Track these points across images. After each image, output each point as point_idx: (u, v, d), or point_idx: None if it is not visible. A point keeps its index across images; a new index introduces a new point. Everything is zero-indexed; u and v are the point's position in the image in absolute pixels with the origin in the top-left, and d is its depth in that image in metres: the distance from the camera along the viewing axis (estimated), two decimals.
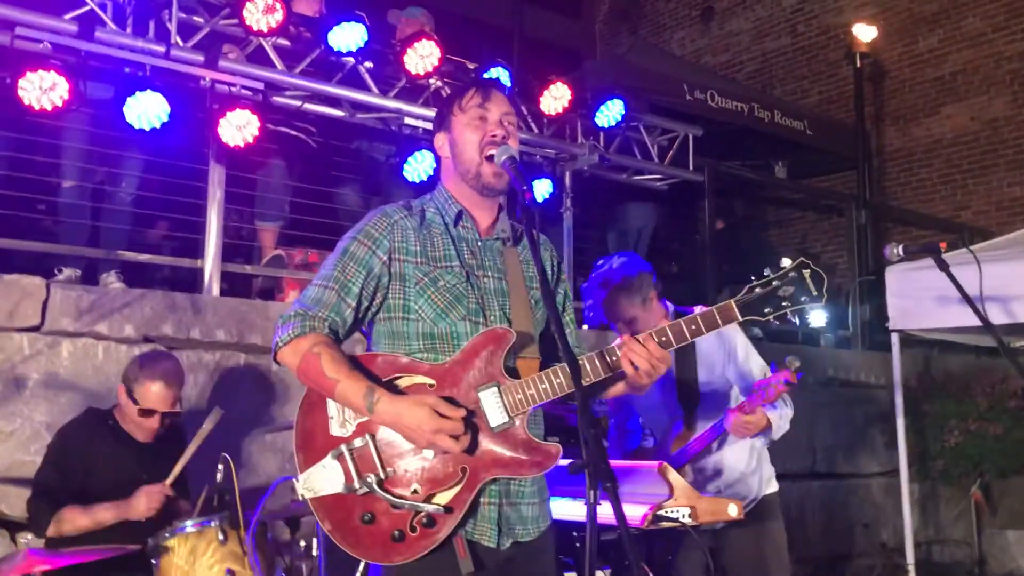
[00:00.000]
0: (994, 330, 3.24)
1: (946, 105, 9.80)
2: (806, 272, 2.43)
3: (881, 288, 6.36)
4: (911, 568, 6.05)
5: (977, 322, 4.80)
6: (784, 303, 2.42)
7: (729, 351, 3.75)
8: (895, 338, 6.10)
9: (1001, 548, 7.67)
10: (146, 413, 3.67)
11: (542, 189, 6.05)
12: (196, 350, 4.77)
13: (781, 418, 3.63)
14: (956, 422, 7.17)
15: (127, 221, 5.24)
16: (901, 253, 3.53)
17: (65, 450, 3.64)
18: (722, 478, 3.71)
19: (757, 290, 2.42)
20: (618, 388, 2.52)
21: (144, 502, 3.48)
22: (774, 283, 2.42)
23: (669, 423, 3.81)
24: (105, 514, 3.48)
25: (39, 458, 3.80)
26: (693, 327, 2.38)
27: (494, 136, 2.44)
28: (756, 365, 3.73)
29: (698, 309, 2.52)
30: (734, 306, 2.40)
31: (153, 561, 3.32)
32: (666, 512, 3.23)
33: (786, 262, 2.45)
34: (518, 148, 2.51)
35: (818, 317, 8.40)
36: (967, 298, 3.23)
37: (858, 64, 9.23)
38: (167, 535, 3.33)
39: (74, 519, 3.47)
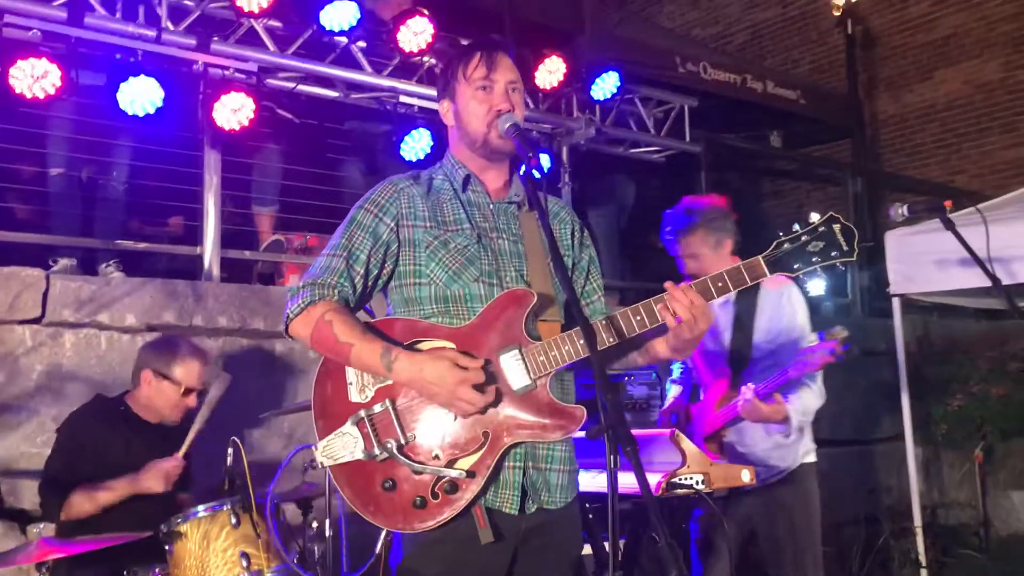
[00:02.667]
0: (1003, 289, 3.22)
1: (939, 70, 9.77)
2: (836, 227, 2.36)
3: (880, 254, 6.36)
4: (919, 531, 6.07)
5: (979, 283, 4.82)
6: (815, 258, 2.35)
7: (792, 316, 3.74)
8: (896, 303, 6.08)
9: (1006, 509, 7.71)
10: (189, 392, 3.74)
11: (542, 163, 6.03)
12: (199, 337, 4.74)
13: (805, 411, 3.62)
14: (958, 385, 7.18)
15: (123, 210, 5.21)
16: (906, 213, 3.52)
17: (76, 437, 3.64)
18: (757, 447, 3.71)
19: (785, 245, 2.35)
20: (658, 351, 2.45)
21: (159, 476, 3.48)
22: (803, 238, 2.35)
23: (716, 378, 3.82)
24: (117, 489, 3.48)
25: (45, 450, 3.81)
26: (720, 284, 2.32)
27: (500, 109, 2.40)
28: (807, 331, 3.73)
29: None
30: (762, 262, 2.35)
31: (167, 547, 3.32)
32: (680, 479, 3.24)
33: (815, 216, 2.39)
34: (523, 116, 2.48)
35: (817, 285, 8.39)
36: (975, 257, 3.22)
37: (850, 30, 9.19)
38: (179, 520, 3.32)
39: (84, 501, 3.47)
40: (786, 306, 3.74)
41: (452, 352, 2.23)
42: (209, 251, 5.12)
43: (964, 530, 7.24)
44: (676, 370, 4.15)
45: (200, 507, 3.34)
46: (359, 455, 2.26)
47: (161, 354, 3.75)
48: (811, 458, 3.79)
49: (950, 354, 7.41)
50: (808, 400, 3.63)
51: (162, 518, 3.36)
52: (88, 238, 4.99)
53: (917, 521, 6.09)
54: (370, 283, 2.40)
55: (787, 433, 3.65)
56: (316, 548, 4.01)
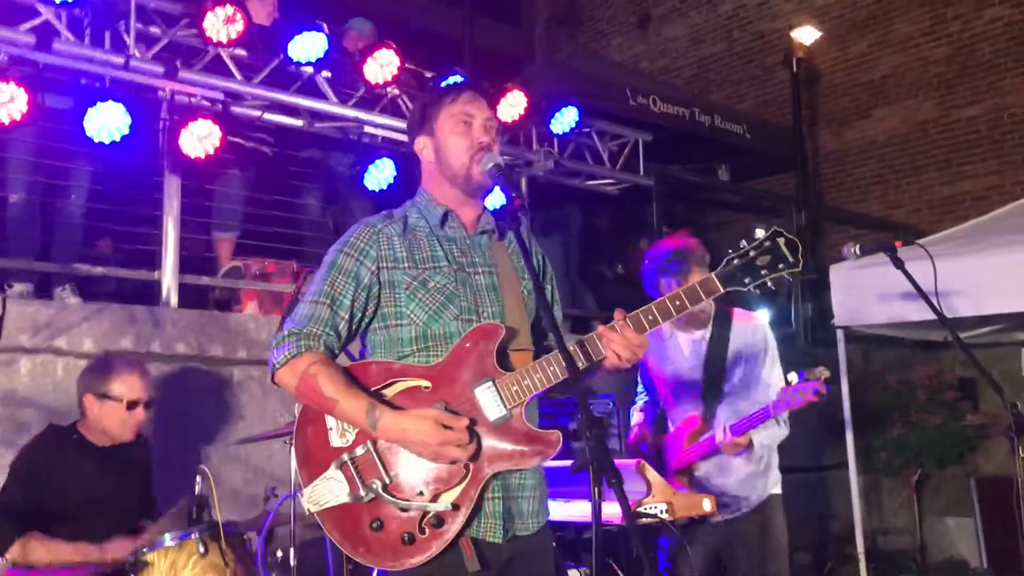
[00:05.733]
0: (949, 324, 3.38)
1: (877, 108, 10.11)
2: (780, 240, 2.45)
3: (823, 285, 6.56)
4: (861, 557, 6.25)
5: (923, 316, 5.02)
6: (763, 271, 2.43)
7: (764, 350, 3.86)
8: (840, 334, 6.28)
9: (940, 534, 7.95)
10: (133, 405, 3.67)
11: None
12: (156, 363, 4.71)
13: (769, 438, 3.77)
14: (898, 414, 7.40)
15: (79, 234, 5.16)
16: (858, 252, 3.65)
17: (30, 469, 3.57)
18: (731, 477, 3.82)
19: (735, 261, 2.44)
20: (604, 369, 2.52)
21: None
22: (751, 253, 2.44)
23: (686, 411, 3.91)
24: (80, 552, 3.42)
25: (0, 477, 3.74)
26: (677, 303, 2.40)
27: (481, 143, 2.49)
28: (776, 378, 3.87)
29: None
30: (715, 279, 2.44)
31: None
32: (645, 508, 3.34)
33: (760, 232, 2.47)
34: (498, 152, 2.57)
35: (762, 316, 8.60)
36: (922, 293, 3.36)
37: (795, 69, 9.48)
38: (146, 550, 3.29)
39: (40, 551, 3.39)
40: (759, 341, 3.87)
41: (435, 412, 2.26)
42: (168, 276, 5.09)
43: (902, 555, 7.46)
44: (640, 400, 4.24)
45: (167, 536, 3.31)
46: (345, 498, 2.29)
47: (96, 375, 3.70)
48: (777, 489, 3.93)
49: (889, 383, 7.63)
50: (774, 431, 3.76)
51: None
52: (45, 262, 4.92)
53: (860, 547, 6.27)
54: (354, 327, 2.43)
55: (749, 458, 3.77)
56: None
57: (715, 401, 3.84)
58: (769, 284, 2.45)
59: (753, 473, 3.81)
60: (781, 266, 2.44)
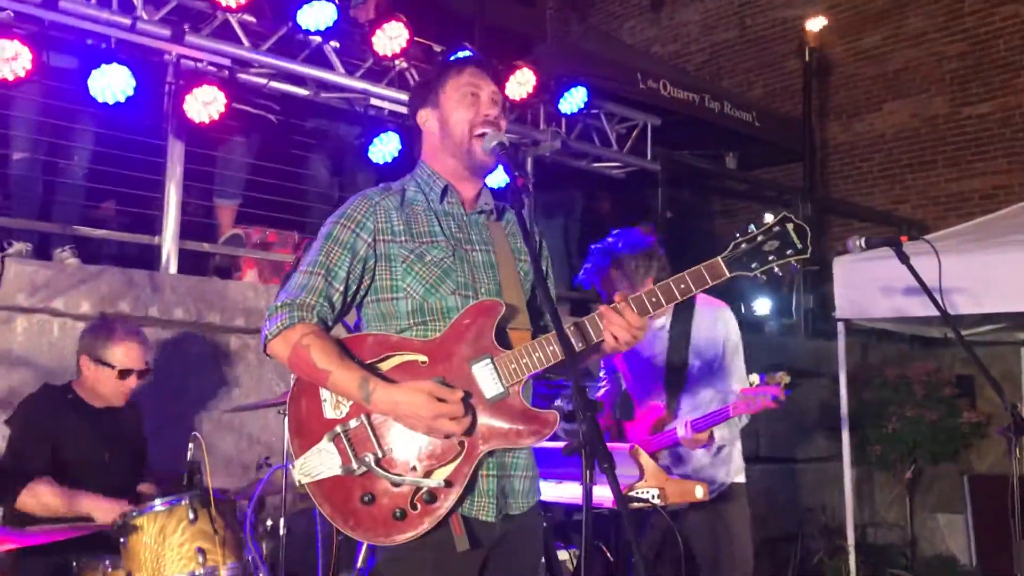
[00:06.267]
0: (952, 321, 3.36)
1: (888, 101, 10.04)
2: (789, 225, 2.40)
3: (825, 277, 6.54)
4: (851, 550, 6.26)
5: (924, 312, 5.01)
6: (771, 257, 2.38)
7: (725, 341, 3.82)
8: (841, 327, 6.27)
9: (931, 530, 7.97)
10: (125, 374, 3.67)
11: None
12: (154, 328, 4.70)
13: (729, 429, 3.73)
14: (894, 409, 7.40)
15: (81, 195, 5.14)
16: (864, 245, 3.62)
17: (29, 423, 3.60)
18: (689, 465, 3.81)
19: (743, 245, 2.39)
20: (599, 353, 2.52)
21: (109, 512, 3.39)
22: (759, 238, 2.39)
23: (650, 399, 3.89)
24: (83, 505, 3.42)
25: None
26: (682, 286, 2.37)
27: (487, 116, 2.46)
28: (738, 369, 3.81)
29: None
30: (721, 262, 2.39)
31: (121, 540, 3.27)
32: (636, 493, 3.32)
33: (769, 217, 2.42)
34: (505, 129, 2.54)
35: (763, 305, 8.60)
36: (926, 290, 3.34)
37: (807, 58, 9.41)
38: (135, 514, 3.29)
39: (49, 497, 3.41)
40: (720, 328, 3.82)
41: (430, 384, 2.24)
42: (168, 242, 5.07)
43: (893, 550, 7.47)
44: (601, 388, 4.19)
45: (157, 501, 3.32)
46: (337, 470, 2.27)
47: (96, 338, 3.70)
48: (741, 478, 3.88)
49: (888, 377, 7.63)
50: (733, 426, 3.74)
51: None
52: (45, 222, 4.90)
53: (850, 540, 6.28)
54: (349, 299, 2.41)
55: (711, 451, 3.76)
56: (265, 545, 4.02)
57: (678, 390, 3.80)
58: (776, 270, 2.40)
59: (711, 463, 3.78)
60: (789, 252, 2.39)
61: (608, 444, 3.54)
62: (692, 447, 3.70)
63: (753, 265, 2.39)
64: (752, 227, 2.41)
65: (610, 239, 3.85)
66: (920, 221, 9.30)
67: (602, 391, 4.19)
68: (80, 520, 3.36)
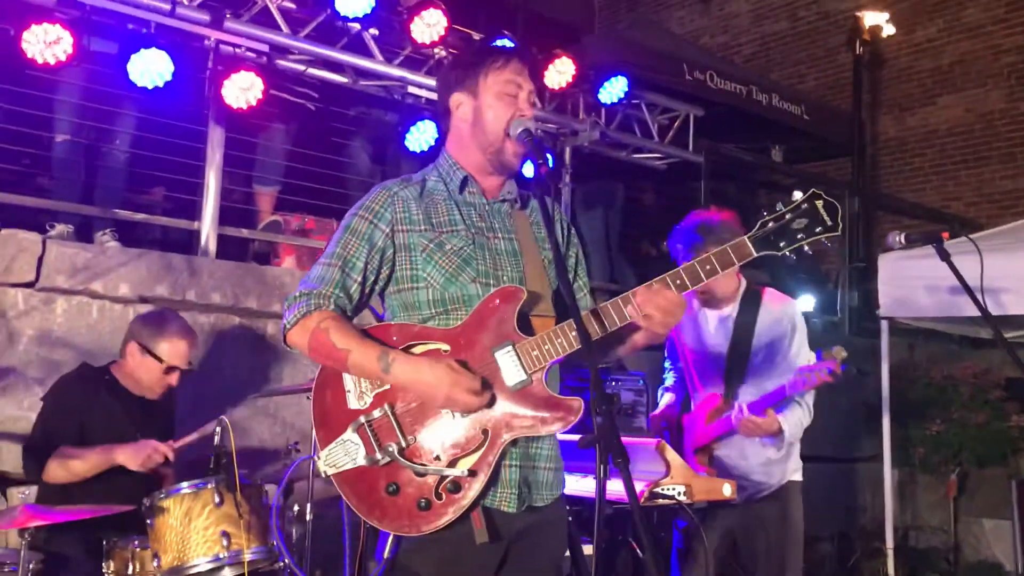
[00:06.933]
0: (993, 321, 3.25)
1: (942, 96, 9.80)
2: (819, 203, 2.34)
3: (872, 275, 6.40)
4: (890, 552, 6.14)
5: (969, 312, 4.87)
6: (800, 235, 2.32)
7: (791, 335, 3.75)
8: (885, 325, 6.14)
9: (976, 536, 7.79)
10: (171, 370, 3.73)
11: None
12: (191, 312, 4.75)
13: (797, 425, 3.67)
14: (939, 411, 7.24)
15: (123, 179, 5.20)
16: (903, 241, 3.54)
17: (61, 403, 3.65)
18: (752, 461, 3.75)
19: (770, 224, 2.33)
20: (636, 340, 2.49)
21: (139, 454, 3.46)
22: (787, 216, 2.33)
23: (708, 390, 3.85)
24: (89, 459, 3.47)
25: (32, 413, 3.82)
26: (708, 267, 2.31)
27: (523, 115, 2.42)
28: (804, 355, 3.75)
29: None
30: (747, 241, 2.34)
31: (148, 521, 3.33)
32: (662, 489, 3.28)
33: (797, 195, 2.35)
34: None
35: (806, 302, 8.45)
36: (967, 289, 3.24)
37: (858, 51, 9.21)
38: (162, 495, 3.34)
39: (57, 468, 3.46)
40: (787, 323, 3.77)
41: (450, 360, 2.24)
42: (207, 226, 5.12)
43: (934, 554, 7.32)
44: (669, 378, 4.17)
45: (184, 484, 3.36)
46: (361, 461, 2.27)
47: (149, 328, 3.74)
48: (798, 476, 3.83)
49: (933, 378, 7.46)
50: (799, 416, 3.67)
51: (144, 491, 3.39)
52: (87, 205, 4.97)
53: (889, 542, 6.16)
54: (367, 290, 2.40)
55: (779, 446, 3.69)
56: (295, 530, 4.05)
57: (738, 380, 3.75)
58: (806, 249, 2.33)
59: (774, 459, 3.72)
60: (819, 230, 2.33)
61: (634, 439, 3.56)
62: (750, 433, 3.63)
63: (782, 244, 2.33)
64: (780, 205, 2.35)
65: (698, 220, 3.76)
66: (973, 219, 9.05)
67: (669, 382, 4.17)
68: (106, 498, 3.38)
